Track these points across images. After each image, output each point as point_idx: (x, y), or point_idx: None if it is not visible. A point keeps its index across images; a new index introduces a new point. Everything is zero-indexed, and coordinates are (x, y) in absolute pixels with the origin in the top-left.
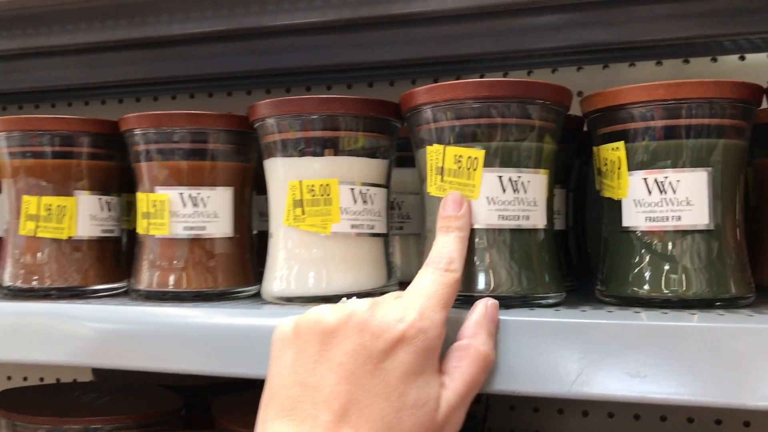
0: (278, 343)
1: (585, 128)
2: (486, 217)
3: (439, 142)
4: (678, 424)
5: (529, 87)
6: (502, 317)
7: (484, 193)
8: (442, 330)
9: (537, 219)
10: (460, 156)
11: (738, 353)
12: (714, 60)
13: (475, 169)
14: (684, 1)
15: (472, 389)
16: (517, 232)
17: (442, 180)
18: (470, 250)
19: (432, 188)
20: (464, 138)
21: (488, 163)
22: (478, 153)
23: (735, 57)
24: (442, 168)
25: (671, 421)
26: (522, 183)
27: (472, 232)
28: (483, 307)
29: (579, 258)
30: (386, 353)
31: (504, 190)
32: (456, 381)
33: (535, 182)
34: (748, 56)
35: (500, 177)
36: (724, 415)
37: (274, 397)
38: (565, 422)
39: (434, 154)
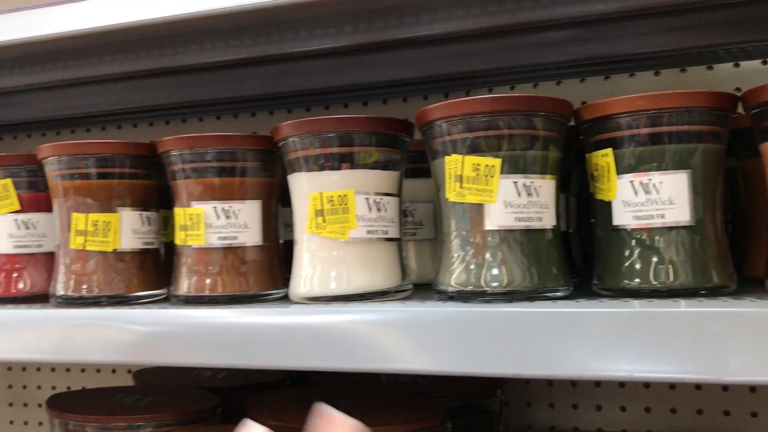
0: None
1: None
2: (503, 220)
3: (455, 153)
4: (687, 415)
5: (534, 101)
6: (511, 309)
7: (501, 198)
8: None
9: (547, 220)
10: (478, 164)
11: (714, 334)
12: (710, 68)
13: (492, 176)
14: (679, 14)
15: None
16: (529, 232)
17: (461, 187)
18: (486, 249)
19: (451, 194)
20: (478, 148)
21: (504, 171)
22: (495, 161)
23: (730, 65)
24: (461, 176)
25: (680, 413)
26: (534, 188)
27: (489, 233)
28: None
29: (584, 259)
30: None
31: (519, 195)
32: None
33: (545, 187)
34: (742, 63)
35: (515, 183)
36: (732, 406)
37: None
38: (579, 417)
39: (453, 164)
